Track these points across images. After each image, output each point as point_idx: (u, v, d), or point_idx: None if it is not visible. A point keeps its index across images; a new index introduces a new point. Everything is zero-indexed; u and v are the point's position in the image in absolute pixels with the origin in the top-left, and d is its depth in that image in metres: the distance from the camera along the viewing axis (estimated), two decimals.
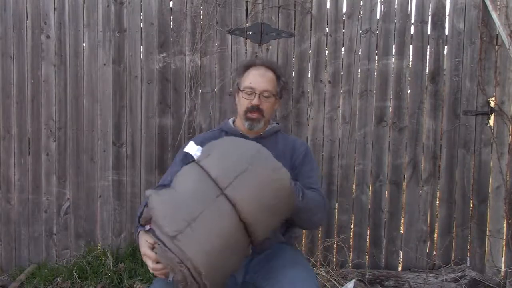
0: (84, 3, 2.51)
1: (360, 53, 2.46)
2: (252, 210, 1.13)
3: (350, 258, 2.52)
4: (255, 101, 1.50)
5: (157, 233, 1.10)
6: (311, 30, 2.47)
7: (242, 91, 1.54)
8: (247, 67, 1.58)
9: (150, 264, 1.16)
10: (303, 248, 2.53)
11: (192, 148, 1.28)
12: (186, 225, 1.07)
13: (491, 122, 2.42)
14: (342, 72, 2.48)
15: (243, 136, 1.54)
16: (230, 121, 1.65)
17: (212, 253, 1.08)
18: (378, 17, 2.45)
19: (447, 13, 2.44)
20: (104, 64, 2.52)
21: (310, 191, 1.43)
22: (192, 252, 1.06)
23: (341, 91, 2.48)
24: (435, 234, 2.51)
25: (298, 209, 1.30)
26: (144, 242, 1.17)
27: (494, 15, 2.30)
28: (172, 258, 1.05)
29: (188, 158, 1.42)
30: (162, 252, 1.08)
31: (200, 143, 1.53)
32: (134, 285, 2.28)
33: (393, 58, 2.45)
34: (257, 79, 1.52)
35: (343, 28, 2.47)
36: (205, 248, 1.07)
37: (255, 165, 1.16)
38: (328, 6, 2.47)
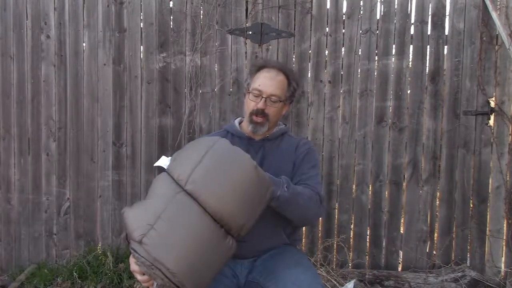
0: (84, 3, 2.51)
1: (360, 53, 2.46)
2: (216, 200, 1.12)
3: (350, 258, 2.52)
4: (260, 105, 1.47)
5: (130, 244, 1.11)
6: (311, 30, 2.47)
7: (250, 92, 1.51)
8: (259, 67, 1.55)
9: (139, 277, 1.17)
10: (303, 248, 2.53)
11: (163, 161, 1.30)
12: (149, 227, 1.08)
13: (491, 122, 2.42)
14: (342, 72, 2.48)
15: (249, 138, 1.54)
16: (236, 122, 1.62)
17: (180, 250, 1.07)
18: (378, 17, 2.45)
19: (447, 13, 2.44)
20: (104, 64, 2.52)
21: (302, 186, 1.41)
22: (159, 252, 1.06)
23: (341, 91, 2.48)
24: (435, 234, 2.51)
25: (285, 200, 1.30)
26: (131, 259, 1.18)
27: (494, 15, 2.30)
28: (144, 262, 1.07)
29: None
30: (137, 261, 1.09)
31: None
32: (134, 285, 2.28)
33: (393, 58, 2.45)
34: (267, 82, 1.49)
35: (343, 28, 2.47)
36: (171, 246, 1.07)
37: (208, 155, 1.16)
38: (328, 6, 2.46)
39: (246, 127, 1.56)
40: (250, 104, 1.50)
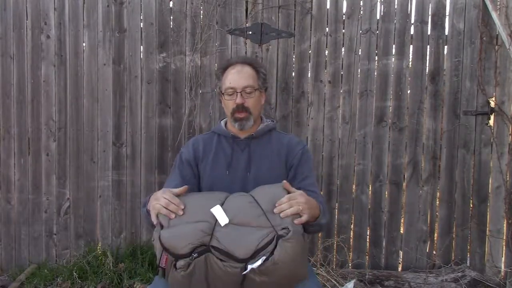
0: (84, 3, 2.51)
1: (360, 53, 2.46)
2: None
3: (350, 258, 2.52)
4: (238, 100, 1.48)
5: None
6: (311, 30, 2.47)
7: (223, 93, 1.53)
8: (223, 69, 1.57)
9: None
10: None
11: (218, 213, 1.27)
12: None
13: (491, 122, 2.42)
14: (342, 72, 2.48)
15: (234, 137, 1.53)
16: (222, 122, 1.63)
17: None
18: (378, 17, 2.45)
19: (447, 13, 2.44)
20: (104, 64, 2.52)
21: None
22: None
23: (341, 91, 2.48)
24: (435, 234, 2.51)
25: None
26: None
27: (494, 15, 2.30)
28: None
29: (189, 163, 1.53)
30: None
31: (192, 145, 1.57)
32: (134, 285, 2.28)
33: (393, 58, 2.45)
34: (235, 77, 1.50)
35: (343, 28, 2.47)
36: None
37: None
38: (328, 6, 2.46)
39: (232, 127, 1.56)
40: (229, 104, 1.51)
